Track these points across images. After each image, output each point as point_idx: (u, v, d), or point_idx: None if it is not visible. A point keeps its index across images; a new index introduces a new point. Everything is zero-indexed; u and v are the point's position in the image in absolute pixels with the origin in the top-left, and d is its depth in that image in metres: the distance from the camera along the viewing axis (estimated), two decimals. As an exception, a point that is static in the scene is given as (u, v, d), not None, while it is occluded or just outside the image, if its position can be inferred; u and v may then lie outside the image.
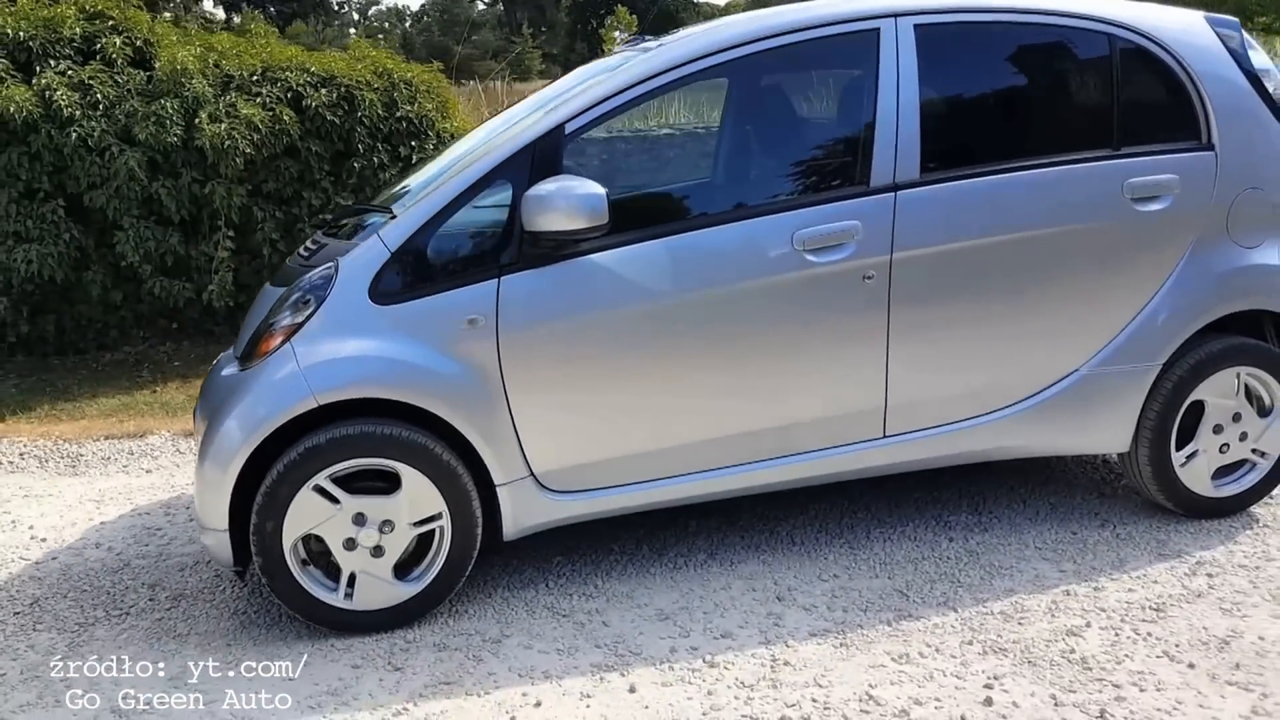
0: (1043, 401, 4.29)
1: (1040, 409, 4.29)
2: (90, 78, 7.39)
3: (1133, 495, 4.79)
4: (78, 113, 7.21)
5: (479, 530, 3.88)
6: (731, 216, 4.07)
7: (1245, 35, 4.48)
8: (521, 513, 3.95)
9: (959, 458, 4.34)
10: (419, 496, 3.77)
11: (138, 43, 7.83)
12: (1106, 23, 4.27)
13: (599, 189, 3.68)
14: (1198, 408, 4.44)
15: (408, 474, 3.74)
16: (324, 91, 7.95)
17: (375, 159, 8.12)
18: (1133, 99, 4.31)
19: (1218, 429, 4.46)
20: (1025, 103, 4.47)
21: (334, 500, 3.71)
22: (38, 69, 7.44)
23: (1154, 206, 4.24)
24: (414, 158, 8.13)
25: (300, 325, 3.75)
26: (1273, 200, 4.39)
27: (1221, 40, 4.40)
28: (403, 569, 3.87)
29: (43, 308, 7.83)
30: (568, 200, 3.66)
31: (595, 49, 26.90)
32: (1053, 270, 4.20)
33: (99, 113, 7.32)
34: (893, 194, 4.00)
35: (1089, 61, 4.36)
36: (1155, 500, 4.56)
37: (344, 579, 3.79)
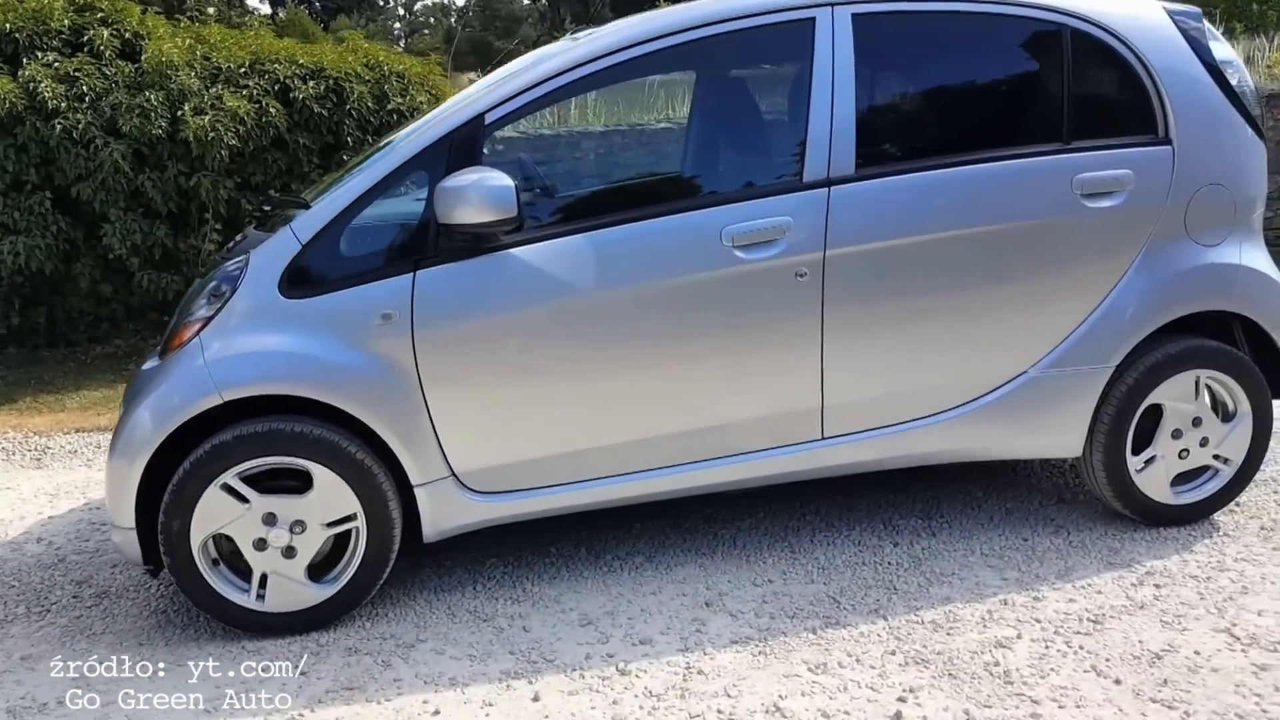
0: (989, 404, 4.13)
1: (987, 411, 4.13)
2: (77, 70, 7.40)
3: (1094, 502, 4.62)
4: (63, 105, 7.22)
5: (397, 532, 3.79)
6: (659, 211, 3.89)
7: (1207, 25, 4.29)
8: (441, 514, 3.85)
9: (903, 460, 4.20)
10: (331, 497, 3.68)
11: (127, 35, 7.83)
12: (1056, 12, 4.09)
13: (507, 181, 3.57)
14: (1157, 412, 4.27)
15: (319, 473, 3.66)
16: (312, 84, 7.93)
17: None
18: (1084, 92, 4.13)
19: (1176, 434, 4.27)
20: (969, 96, 4.29)
21: (243, 499, 3.64)
22: (24, 61, 7.44)
23: (1106, 203, 4.07)
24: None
25: (211, 318, 3.69)
26: (1234, 197, 4.20)
27: (1181, 31, 4.20)
28: (319, 570, 3.79)
29: (34, 300, 7.86)
30: (479, 193, 3.55)
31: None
32: (997, 268, 4.04)
33: (85, 105, 7.32)
34: (826, 189, 3.87)
35: (1037, 52, 4.17)
36: (1113, 507, 4.39)
37: (255, 580, 3.71)
